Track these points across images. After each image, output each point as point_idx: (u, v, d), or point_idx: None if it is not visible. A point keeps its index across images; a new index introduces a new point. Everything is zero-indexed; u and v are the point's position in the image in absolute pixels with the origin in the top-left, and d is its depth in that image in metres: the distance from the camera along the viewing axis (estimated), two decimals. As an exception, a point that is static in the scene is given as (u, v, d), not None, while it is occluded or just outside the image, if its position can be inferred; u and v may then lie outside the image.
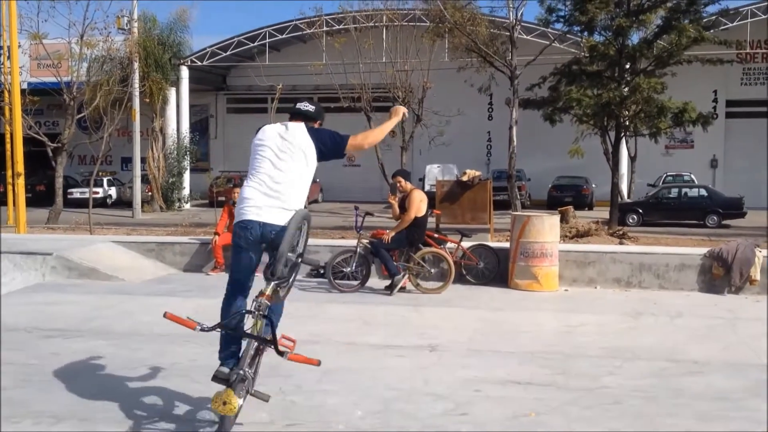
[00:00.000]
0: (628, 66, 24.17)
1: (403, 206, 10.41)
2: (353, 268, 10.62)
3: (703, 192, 28.90)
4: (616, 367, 6.55)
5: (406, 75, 26.91)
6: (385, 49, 28.15)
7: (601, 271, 10.95)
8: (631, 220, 27.10)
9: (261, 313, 4.66)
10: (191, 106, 40.06)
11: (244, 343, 4.89)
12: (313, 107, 5.39)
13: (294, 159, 5.06)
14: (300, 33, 35.91)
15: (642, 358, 6.91)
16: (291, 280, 5.00)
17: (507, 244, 11.44)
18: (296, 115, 5.38)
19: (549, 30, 28.97)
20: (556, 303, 9.97)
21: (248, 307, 4.85)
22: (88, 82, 25.55)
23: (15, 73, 18.03)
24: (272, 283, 4.74)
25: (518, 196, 27.80)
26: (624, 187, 34.20)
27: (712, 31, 24.67)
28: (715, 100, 38.74)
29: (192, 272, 12.05)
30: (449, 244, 11.14)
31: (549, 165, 37.37)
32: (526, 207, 31.01)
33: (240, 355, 4.88)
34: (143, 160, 34.12)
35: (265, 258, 5.08)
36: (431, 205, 11.41)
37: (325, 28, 31.56)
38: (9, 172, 18.68)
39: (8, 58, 19.58)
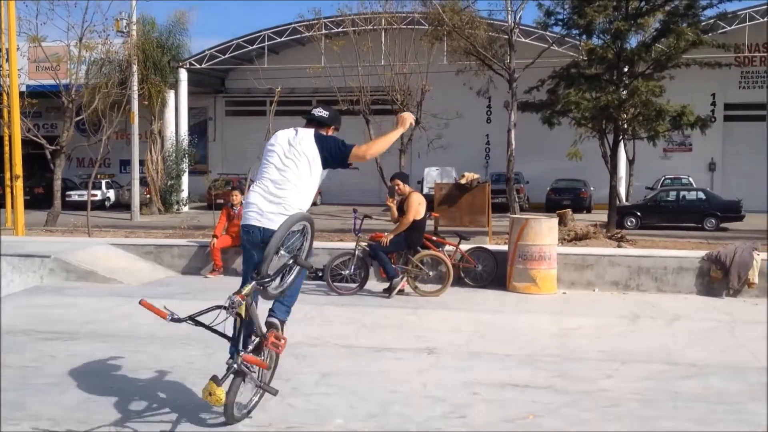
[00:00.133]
0: (626, 69, 24.19)
1: (402, 209, 10.41)
2: (351, 270, 10.62)
3: (702, 195, 28.93)
4: (614, 370, 6.55)
5: (405, 78, 26.92)
6: (383, 52, 28.16)
7: (599, 274, 10.95)
8: (629, 223, 27.12)
9: (235, 309, 4.69)
10: (190, 109, 40.05)
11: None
12: (327, 113, 5.39)
13: (298, 166, 5.11)
14: (299, 36, 35.98)
15: (640, 361, 6.91)
16: (286, 280, 5.06)
17: (505, 247, 11.44)
18: (310, 121, 5.40)
19: (547, 33, 29.02)
20: (554, 306, 9.97)
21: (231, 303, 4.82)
22: (87, 84, 25.57)
23: (13, 75, 18.02)
24: (252, 283, 4.79)
25: (516, 199, 27.84)
26: (622, 190, 34.23)
27: (710, 34, 24.71)
28: (714, 104, 38.78)
29: (190, 275, 12.05)
30: (447, 247, 11.14)
31: (547, 168, 37.39)
32: (524, 210, 31.03)
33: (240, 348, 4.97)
34: (142, 163, 34.11)
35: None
36: (430, 207, 11.42)
37: (323, 31, 31.62)
38: (7, 175, 18.65)
39: (7, 60, 19.59)
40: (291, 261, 4.99)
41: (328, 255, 11.03)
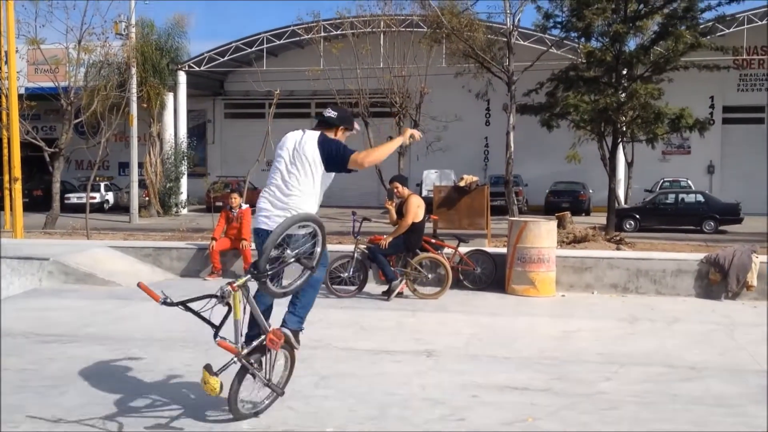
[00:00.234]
0: (625, 72, 24.20)
1: (401, 212, 10.41)
2: (350, 273, 10.62)
3: (700, 198, 28.93)
4: (612, 373, 6.55)
5: (404, 80, 26.96)
6: (382, 54, 28.19)
7: (598, 277, 10.96)
8: (628, 226, 27.13)
9: (225, 299, 4.82)
10: (189, 111, 40.05)
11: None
12: (335, 114, 5.40)
13: (303, 170, 5.17)
14: (298, 38, 35.97)
15: (639, 363, 6.92)
16: (294, 282, 5.16)
17: (504, 250, 11.44)
18: (320, 123, 5.43)
19: (546, 36, 29.04)
20: (553, 308, 9.97)
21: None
22: (86, 87, 25.56)
23: (12, 77, 18.03)
24: (247, 276, 4.93)
25: (515, 202, 27.85)
26: (621, 192, 34.25)
27: (708, 37, 24.71)
28: (712, 106, 38.81)
29: (189, 277, 12.04)
30: (446, 250, 11.13)
31: (546, 170, 37.40)
32: (523, 212, 31.02)
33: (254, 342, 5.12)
34: (140, 165, 34.10)
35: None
36: (428, 210, 11.42)
37: (322, 34, 31.65)
38: (6, 177, 18.64)
39: (6, 63, 19.58)
40: (293, 260, 5.05)
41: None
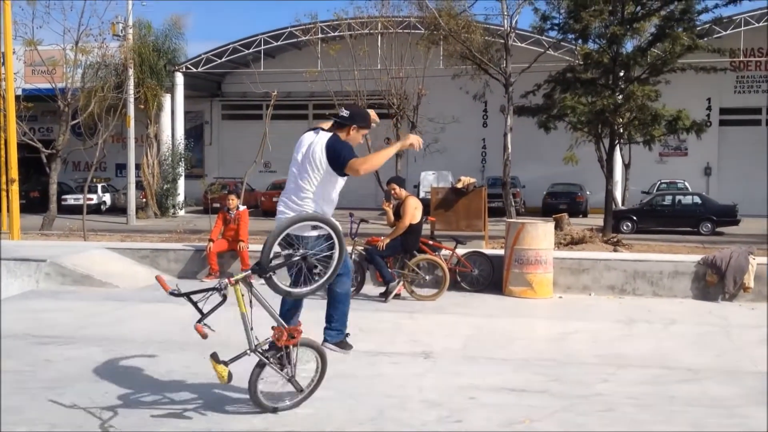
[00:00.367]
0: (622, 74, 24.21)
1: (398, 213, 10.42)
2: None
3: (697, 199, 28.97)
4: (610, 374, 6.56)
5: (401, 82, 26.96)
6: (380, 56, 28.20)
7: (595, 279, 10.96)
8: (625, 228, 27.16)
9: (222, 291, 5.01)
10: (186, 113, 40.04)
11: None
12: (347, 113, 5.39)
13: (313, 173, 5.20)
14: (295, 40, 35.93)
15: (636, 365, 6.93)
16: (308, 284, 5.24)
17: (501, 251, 11.45)
18: (334, 123, 5.44)
19: (543, 38, 29.07)
20: (551, 310, 9.98)
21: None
22: (83, 88, 25.55)
23: (9, 79, 18.00)
24: (247, 271, 5.13)
25: (513, 203, 27.84)
26: (618, 194, 34.27)
27: (705, 39, 24.71)
28: (709, 108, 38.87)
29: (187, 279, 12.02)
30: (444, 251, 11.14)
31: (543, 172, 37.42)
32: (520, 214, 31.04)
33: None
34: (138, 167, 34.08)
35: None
36: (426, 212, 11.42)
37: (320, 35, 31.64)
38: (3, 178, 18.62)
39: (3, 64, 19.55)
40: (298, 258, 5.13)
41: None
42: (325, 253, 5.18)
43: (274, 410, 5.35)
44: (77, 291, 10.72)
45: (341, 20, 29.62)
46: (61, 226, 23.91)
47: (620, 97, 23.46)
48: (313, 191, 5.20)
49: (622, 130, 24.54)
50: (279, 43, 38.25)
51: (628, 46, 24.94)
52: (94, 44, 25.94)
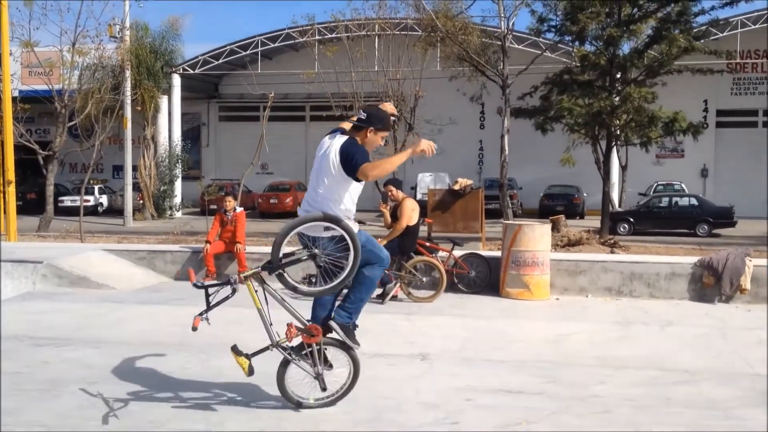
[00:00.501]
0: (618, 75, 24.23)
1: (395, 215, 10.42)
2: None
3: (694, 201, 29.00)
4: (606, 376, 6.56)
5: (398, 84, 26.90)
6: (377, 57, 28.16)
7: (592, 280, 10.98)
8: (622, 229, 27.18)
9: (232, 286, 5.20)
10: (183, 114, 40.01)
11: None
12: (364, 115, 5.32)
13: (328, 175, 5.20)
14: (292, 41, 35.91)
15: (632, 366, 6.93)
16: (323, 282, 5.30)
17: (498, 253, 11.45)
18: (352, 126, 5.40)
19: (540, 39, 29.05)
20: (547, 312, 9.99)
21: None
22: (80, 89, 25.49)
23: (6, 80, 17.98)
24: (257, 268, 5.31)
25: (510, 205, 27.78)
26: (615, 196, 34.28)
27: (702, 41, 24.74)
28: (706, 110, 38.92)
29: (183, 281, 12.01)
30: (441, 253, 11.15)
31: (540, 174, 37.46)
32: (517, 216, 31.04)
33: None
34: (135, 168, 34.04)
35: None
36: (423, 213, 11.42)
37: (317, 37, 31.61)
38: (0, 180, 18.58)
39: (-1, 65, 19.53)
40: (306, 257, 5.25)
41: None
42: (338, 254, 5.18)
43: (299, 404, 5.46)
44: (74, 293, 10.71)
45: (338, 22, 29.56)
46: (57, 227, 23.87)
47: (617, 98, 23.49)
48: (329, 193, 5.20)
49: (618, 132, 24.56)
50: (276, 44, 38.25)
51: (625, 48, 24.99)
52: (91, 46, 25.88)
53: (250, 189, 36.75)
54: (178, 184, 37.30)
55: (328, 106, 27.66)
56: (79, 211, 21.28)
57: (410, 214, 10.25)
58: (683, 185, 35.63)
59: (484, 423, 5.31)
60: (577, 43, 24.85)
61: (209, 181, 36.15)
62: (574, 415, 5.51)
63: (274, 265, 5.21)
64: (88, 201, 34.66)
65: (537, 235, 10.65)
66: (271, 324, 5.30)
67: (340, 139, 5.25)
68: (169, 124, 38.11)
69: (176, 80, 38.58)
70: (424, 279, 10.65)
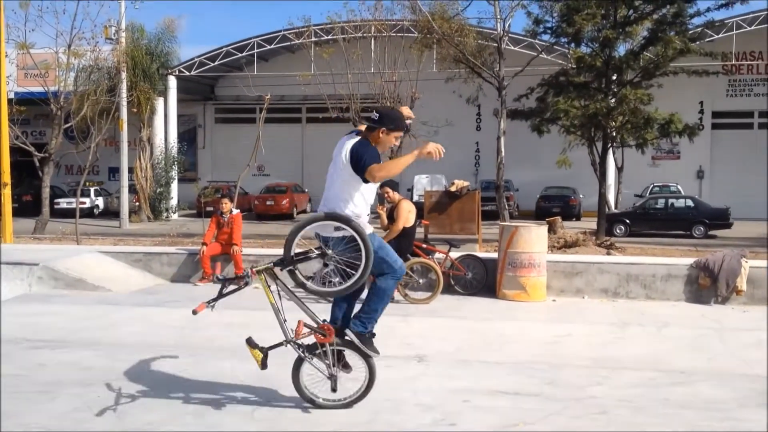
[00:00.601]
0: (614, 77, 24.28)
1: (392, 216, 10.42)
2: (341, 278, 10.59)
3: (690, 203, 29.04)
4: (603, 377, 6.57)
5: (395, 85, 26.92)
6: (373, 59, 28.15)
7: (588, 282, 10.99)
8: (618, 231, 27.20)
9: (244, 280, 5.37)
10: (179, 116, 39.92)
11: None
12: (377, 115, 5.34)
13: (340, 176, 5.24)
14: (288, 43, 35.92)
15: (629, 368, 6.94)
16: (333, 282, 5.48)
17: (495, 255, 11.46)
18: (366, 126, 5.43)
19: (536, 41, 29.11)
20: (544, 313, 9.99)
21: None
22: (76, 91, 25.47)
23: (2, 82, 17.95)
24: (269, 263, 5.39)
25: (506, 207, 27.82)
26: (611, 197, 34.31)
27: (697, 42, 24.81)
28: (701, 111, 38.95)
29: (180, 283, 12.02)
30: (437, 255, 11.15)
31: (537, 175, 37.46)
32: (514, 217, 31.04)
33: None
34: (131, 170, 33.96)
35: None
36: (419, 215, 11.43)
37: (313, 39, 31.60)
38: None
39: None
40: (315, 256, 5.34)
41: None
42: (349, 255, 5.23)
43: (312, 401, 5.51)
44: (70, 295, 10.69)
45: (334, 24, 29.56)
46: (53, 229, 23.83)
47: (613, 100, 23.53)
48: (341, 193, 5.25)
49: (614, 134, 24.61)
50: (272, 46, 38.21)
51: (621, 49, 25.03)
52: (87, 47, 25.87)
53: (246, 191, 36.71)
54: (175, 186, 37.22)
55: (325, 107, 27.70)
56: (75, 213, 21.23)
57: (407, 215, 10.25)
58: (679, 187, 35.66)
59: (481, 424, 5.31)
60: (573, 44, 24.89)
61: (205, 183, 36.12)
62: (570, 416, 5.51)
63: (286, 261, 5.29)
64: (84, 203, 34.59)
65: (533, 237, 10.65)
66: (285, 320, 5.38)
67: (352, 140, 5.28)
68: (165, 126, 38.04)
69: (172, 82, 38.51)
70: (421, 281, 10.65)
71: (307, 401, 5.53)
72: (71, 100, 25.00)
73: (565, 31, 24.08)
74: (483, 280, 11.07)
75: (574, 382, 6.43)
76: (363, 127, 5.45)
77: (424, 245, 11.19)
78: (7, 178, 17.61)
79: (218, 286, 5.49)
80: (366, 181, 5.14)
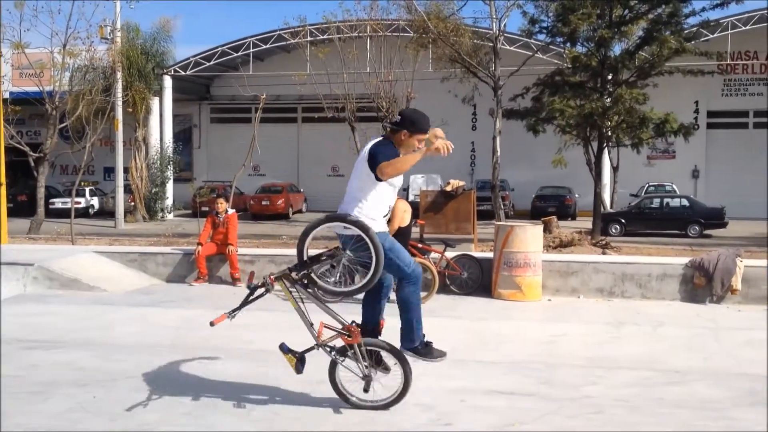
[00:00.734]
0: (610, 77, 24.28)
1: (387, 216, 10.40)
2: (337, 278, 10.58)
3: (685, 202, 29.10)
4: (598, 377, 6.57)
5: (390, 85, 26.91)
6: (369, 59, 28.16)
7: (583, 281, 11.00)
8: (613, 230, 27.24)
9: (267, 287, 5.31)
10: (174, 116, 39.89)
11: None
12: (399, 117, 5.37)
13: (359, 175, 5.29)
14: (284, 43, 35.89)
15: (624, 367, 6.94)
16: (350, 281, 5.54)
17: (491, 254, 11.47)
18: (390, 128, 5.44)
19: (532, 41, 29.11)
20: (540, 313, 10.00)
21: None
22: (71, 91, 25.44)
23: (-3, 82, 17.94)
24: (284, 270, 5.44)
25: (502, 206, 27.83)
26: (606, 197, 34.35)
27: (693, 42, 24.82)
28: (697, 111, 39.03)
29: (175, 283, 12.00)
30: (433, 254, 11.15)
31: (532, 175, 37.51)
32: (509, 217, 31.07)
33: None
34: (126, 170, 33.94)
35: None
36: (415, 215, 11.42)
37: (309, 38, 31.58)
38: (-10, 182, 18.51)
39: (-10, 67, 19.46)
40: (325, 258, 5.40)
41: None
42: (360, 254, 5.28)
43: (347, 399, 5.54)
44: (65, 295, 10.66)
45: (330, 23, 29.56)
46: (48, 229, 23.79)
47: (608, 100, 23.54)
48: (355, 192, 5.31)
49: (610, 133, 24.61)
50: (268, 46, 38.19)
51: (616, 49, 25.06)
52: (82, 47, 25.83)
53: (241, 191, 36.69)
54: (170, 186, 37.19)
55: (320, 107, 27.65)
56: (70, 213, 21.21)
57: (402, 215, 10.23)
58: (674, 186, 35.73)
59: (478, 424, 5.32)
60: (568, 44, 24.89)
61: (201, 183, 36.02)
62: (566, 415, 5.52)
63: (301, 265, 5.36)
64: (79, 203, 34.53)
65: (529, 237, 10.66)
66: (311, 324, 5.45)
67: (373, 141, 5.36)
68: (160, 125, 38.01)
69: (167, 82, 38.48)
70: (417, 280, 10.64)
71: (342, 398, 5.56)
72: (66, 99, 24.96)
73: (560, 30, 24.08)
74: (479, 280, 11.08)
75: (570, 381, 6.44)
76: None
77: (420, 245, 11.20)
78: (2, 178, 17.56)
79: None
80: (378, 178, 5.17)
